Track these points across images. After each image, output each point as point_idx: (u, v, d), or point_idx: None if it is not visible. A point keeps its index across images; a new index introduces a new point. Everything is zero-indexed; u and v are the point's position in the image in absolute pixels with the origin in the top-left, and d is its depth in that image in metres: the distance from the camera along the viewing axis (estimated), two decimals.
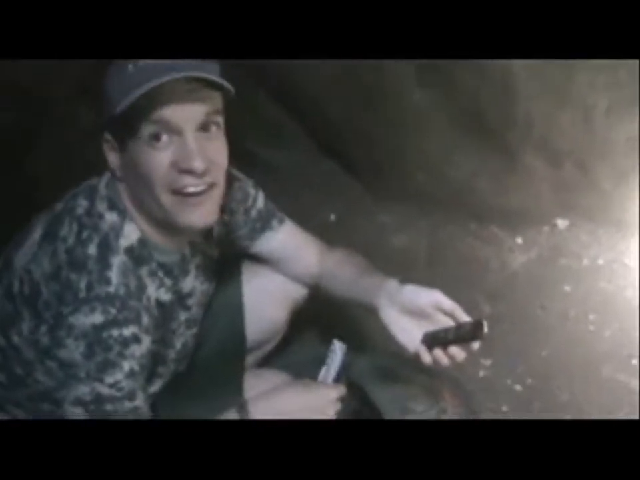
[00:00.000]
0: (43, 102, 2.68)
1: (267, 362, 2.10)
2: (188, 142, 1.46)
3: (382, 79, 2.48)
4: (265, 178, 1.96)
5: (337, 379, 1.74)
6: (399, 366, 2.03)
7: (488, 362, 2.26)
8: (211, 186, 1.51)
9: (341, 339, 1.78)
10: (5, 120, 2.57)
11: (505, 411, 2.16)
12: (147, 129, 1.45)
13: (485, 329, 1.58)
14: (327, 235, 2.04)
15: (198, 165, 1.46)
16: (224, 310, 1.93)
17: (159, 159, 1.47)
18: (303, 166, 2.92)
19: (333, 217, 2.78)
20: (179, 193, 1.49)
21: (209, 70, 1.46)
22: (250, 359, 2.03)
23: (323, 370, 1.75)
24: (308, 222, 2.03)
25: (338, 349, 1.75)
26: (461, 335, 1.62)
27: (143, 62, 1.43)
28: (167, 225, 1.57)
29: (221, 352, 1.93)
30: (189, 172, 1.47)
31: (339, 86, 2.59)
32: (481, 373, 2.25)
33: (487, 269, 2.53)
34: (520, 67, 2.24)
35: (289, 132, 2.79)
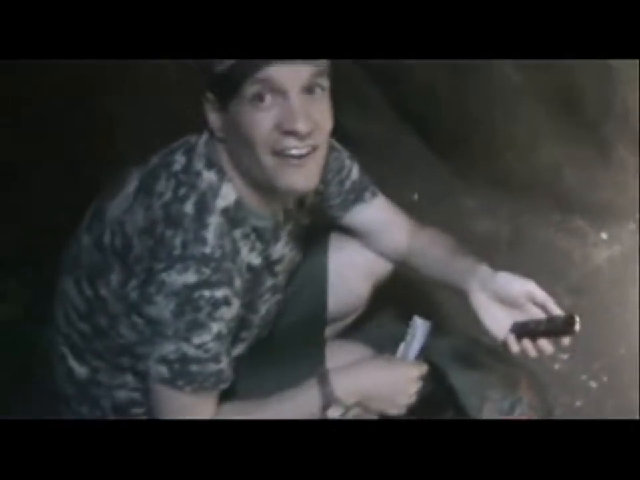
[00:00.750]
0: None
1: (344, 335, 2.09)
2: (292, 103, 1.44)
3: None
4: (350, 149, 1.94)
5: (418, 357, 1.72)
6: (478, 352, 2.00)
7: (565, 356, 2.22)
8: (314, 148, 1.49)
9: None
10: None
11: (579, 407, 2.13)
12: (250, 89, 1.43)
13: (577, 325, 1.55)
14: (409, 213, 2.00)
15: (302, 126, 1.44)
16: (308, 279, 1.92)
17: (262, 119, 1.45)
18: (389, 141, 2.89)
19: (415, 195, 2.75)
20: (281, 154, 1.47)
21: None
22: (329, 330, 2.02)
23: (402, 346, 1.73)
24: (391, 198, 1.99)
25: (420, 325, 1.73)
26: (552, 329, 1.60)
27: None
28: (265, 188, 1.55)
29: (303, 321, 1.92)
30: (293, 133, 1.45)
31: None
32: (557, 367, 2.23)
33: (569, 261, 2.48)
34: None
35: (377, 106, 2.76)
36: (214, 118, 1.52)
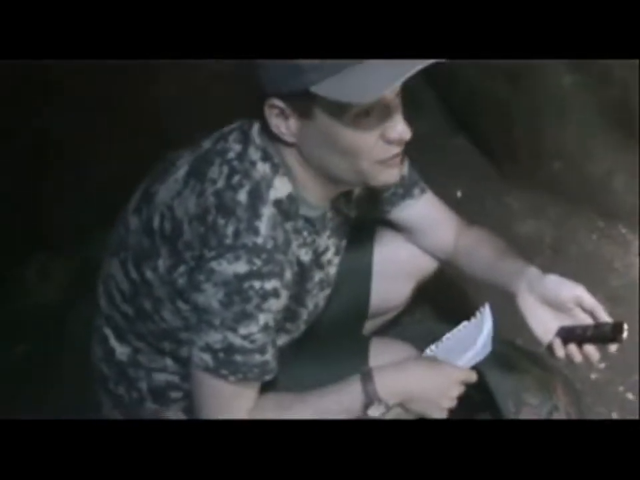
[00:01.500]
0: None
1: (383, 331, 2.08)
2: (396, 112, 1.46)
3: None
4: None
5: (471, 362, 1.70)
6: (514, 354, 1.99)
7: (602, 365, 2.19)
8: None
9: (458, 319, 1.75)
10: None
11: (614, 418, 2.11)
12: (355, 108, 1.41)
13: (626, 333, 1.53)
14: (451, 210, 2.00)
15: (408, 134, 1.46)
16: (352, 273, 1.91)
17: (368, 132, 1.45)
18: (436, 138, 2.89)
19: (459, 193, 2.74)
20: (384, 161, 1.49)
21: None
22: (369, 324, 2.02)
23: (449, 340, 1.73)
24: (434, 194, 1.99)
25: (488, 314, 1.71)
26: (600, 335, 1.58)
27: None
28: (323, 181, 1.56)
29: (345, 315, 1.92)
30: (398, 142, 1.47)
31: (482, 62, 2.54)
32: (593, 376, 2.20)
33: (611, 269, 2.45)
34: None
35: (425, 102, 2.76)
36: (281, 123, 1.49)
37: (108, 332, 1.72)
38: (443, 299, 2.26)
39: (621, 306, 2.33)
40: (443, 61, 1.38)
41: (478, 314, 1.72)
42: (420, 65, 1.35)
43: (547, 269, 1.72)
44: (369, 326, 2.03)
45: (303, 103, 1.43)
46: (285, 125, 1.48)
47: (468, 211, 2.52)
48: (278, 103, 1.46)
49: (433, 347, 1.72)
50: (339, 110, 1.42)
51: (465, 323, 1.72)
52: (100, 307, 1.74)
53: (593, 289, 2.27)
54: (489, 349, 1.70)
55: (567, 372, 2.03)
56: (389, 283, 1.97)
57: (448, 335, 1.73)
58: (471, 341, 1.70)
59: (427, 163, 2.64)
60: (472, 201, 2.71)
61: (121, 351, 1.70)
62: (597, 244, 2.52)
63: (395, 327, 2.15)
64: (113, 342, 1.71)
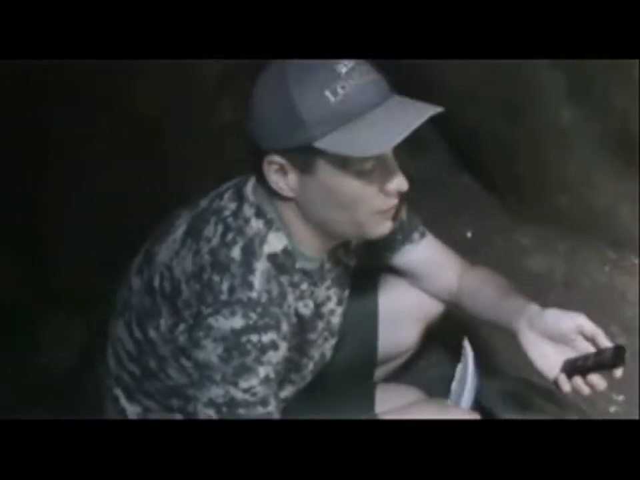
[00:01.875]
0: (185, 100, 2.73)
1: (393, 377, 2.08)
2: (391, 164, 1.48)
3: (530, 92, 2.44)
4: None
5: (470, 398, 1.70)
6: (529, 393, 1.98)
7: (620, 397, 2.17)
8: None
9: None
10: (149, 112, 2.62)
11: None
12: (365, 164, 1.44)
13: (626, 355, 1.53)
14: (462, 251, 2.00)
15: (406, 185, 1.49)
16: (358, 321, 1.91)
17: (367, 186, 1.47)
18: (443, 178, 2.91)
19: (469, 233, 2.74)
20: (383, 212, 1.52)
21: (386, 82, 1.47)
22: (379, 371, 2.02)
23: (454, 385, 1.72)
24: (444, 236, 1.99)
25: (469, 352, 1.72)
26: (601, 362, 1.56)
27: (340, 87, 1.40)
28: (319, 234, 1.58)
29: (353, 363, 1.92)
30: (397, 194, 1.49)
31: (483, 98, 2.56)
32: (612, 409, 2.17)
33: (624, 299, 2.43)
34: None
35: (430, 142, 2.78)
36: (280, 179, 1.50)
37: (118, 392, 1.73)
38: (457, 341, 2.25)
39: (637, 336, 2.32)
40: (441, 109, 1.41)
41: (462, 352, 1.73)
42: (423, 116, 1.38)
43: (559, 303, 1.72)
44: (380, 372, 2.02)
45: (304, 157, 1.45)
46: (283, 181, 1.49)
47: (477, 250, 2.55)
48: (278, 159, 1.47)
49: (454, 383, 1.74)
50: (341, 164, 1.44)
51: (459, 366, 1.74)
52: (109, 368, 1.75)
53: (607, 321, 2.29)
54: (477, 380, 1.70)
55: (585, 406, 2.00)
56: (396, 328, 1.97)
57: (454, 383, 1.74)
58: (464, 379, 1.72)
59: (434, 204, 2.68)
60: (481, 240, 2.71)
61: (132, 411, 1.71)
62: (609, 275, 2.50)
63: (409, 371, 2.15)
64: (124, 402, 1.72)
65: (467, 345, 1.72)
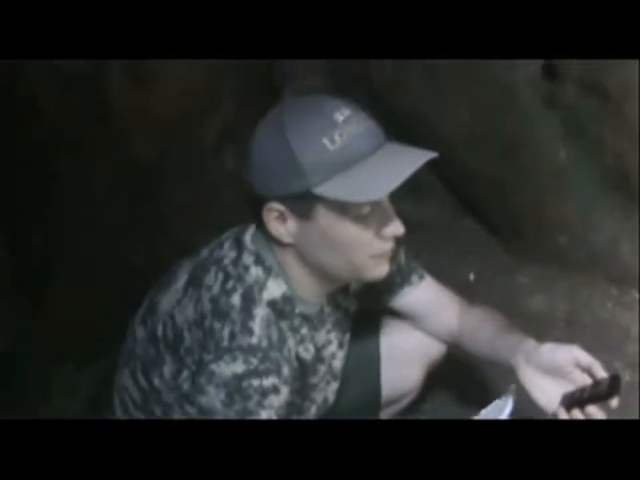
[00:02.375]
0: (188, 143, 2.76)
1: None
2: (389, 211, 1.52)
3: (526, 136, 2.47)
4: (405, 234, 1.97)
5: None
6: None
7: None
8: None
9: (474, 400, 1.75)
10: (151, 155, 2.65)
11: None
12: (358, 207, 1.47)
13: (622, 385, 1.55)
14: (464, 293, 2.01)
15: (402, 230, 1.52)
16: (361, 364, 1.93)
17: (364, 230, 1.51)
18: (443, 222, 2.94)
19: (472, 275, 2.76)
20: (379, 256, 1.55)
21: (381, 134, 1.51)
22: (384, 415, 2.02)
23: (484, 411, 1.71)
24: (447, 279, 2.01)
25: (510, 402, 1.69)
26: (598, 393, 1.58)
27: (338, 135, 1.44)
28: (318, 278, 1.60)
29: (357, 406, 1.93)
30: (393, 238, 1.53)
31: (479, 141, 2.59)
32: None
33: (628, 336, 2.43)
34: None
35: (429, 187, 2.80)
36: (279, 226, 1.53)
37: None
38: (462, 383, 2.26)
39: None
40: (435, 155, 1.45)
41: (503, 397, 1.71)
42: (419, 162, 1.43)
43: (562, 341, 1.73)
44: (385, 415, 2.03)
45: (303, 204, 1.49)
46: (283, 227, 1.53)
47: (479, 292, 2.56)
48: (277, 206, 1.50)
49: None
50: (339, 209, 1.47)
51: (496, 402, 1.71)
52: (117, 417, 1.77)
53: (611, 357, 2.29)
54: None
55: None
56: (399, 370, 1.98)
57: (482, 411, 1.71)
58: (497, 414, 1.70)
59: (436, 248, 2.70)
60: (483, 281, 2.72)
61: None
62: (611, 312, 2.50)
63: (414, 413, 2.15)
64: None
65: (513, 391, 1.71)
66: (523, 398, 1.69)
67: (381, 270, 1.58)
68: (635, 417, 2.02)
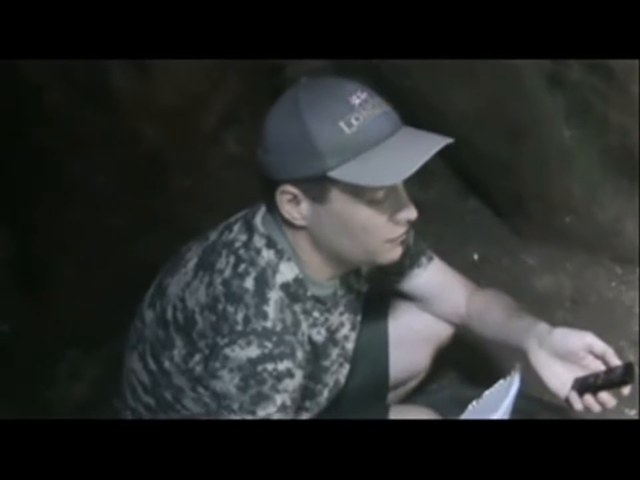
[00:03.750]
0: (190, 128, 2.76)
1: (406, 401, 2.08)
2: (401, 193, 1.51)
3: (530, 116, 2.46)
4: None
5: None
6: (540, 411, 1.98)
7: (632, 412, 2.17)
8: None
9: (481, 381, 1.74)
10: (153, 139, 2.65)
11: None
12: (372, 191, 1.46)
13: (636, 373, 1.54)
14: (469, 274, 2.02)
15: (415, 215, 1.51)
16: (369, 346, 1.93)
17: (379, 215, 1.50)
18: (448, 203, 2.95)
19: (476, 256, 2.76)
20: (393, 241, 1.54)
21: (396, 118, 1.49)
22: (392, 396, 2.03)
23: (487, 392, 1.70)
24: (451, 260, 2.01)
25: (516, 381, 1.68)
26: (611, 380, 1.58)
27: (354, 119, 1.43)
28: (331, 261, 1.60)
29: (365, 388, 1.93)
30: (407, 223, 1.52)
31: (485, 122, 2.59)
32: None
33: (632, 314, 2.44)
34: None
35: (435, 168, 2.80)
36: (292, 208, 1.53)
37: None
38: (468, 364, 2.26)
39: None
40: (451, 141, 1.45)
41: (508, 376, 1.71)
42: (435, 147, 1.42)
43: (568, 320, 1.74)
44: (393, 396, 2.04)
45: (318, 187, 1.48)
46: (296, 210, 1.52)
47: (485, 273, 2.56)
48: (291, 189, 1.50)
49: (474, 402, 1.71)
50: (353, 193, 1.47)
51: (501, 382, 1.70)
52: (125, 400, 1.77)
53: (616, 336, 2.30)
54: (509, 411, 1.69)
55: None
56: (407, 352, 1.98)
57: (487, 392, 1.71)
58: (497, 403, 1.69)
59: (441, 229, 2.70)
60: (489, 262, 2.73)
61: None
62: (616, 291, 2.51)
63: (421, 395, 2.16)
64: None
65: (518, 370, 1.70)
66: (533, 382, 1.69)
67: (393, 254, 1.58)
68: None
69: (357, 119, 1.43)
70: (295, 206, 1.52)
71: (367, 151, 1.43)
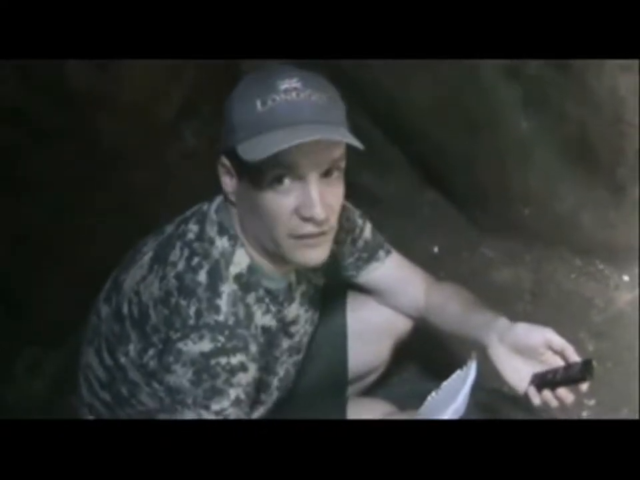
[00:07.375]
0: (150, 121, 2.73)
1: (367, 394, 2.09)
2: (311, 190, 1.46)
3: (488, 108, 2.46)
4: (368, 208, 1.95)
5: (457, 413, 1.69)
6: (501, 403, 1.99)
7: (592, 402, 2.19)
8: (328, 230, 1.52)
9: (441, 373, 1.75)
10: (114, 135, 2.63)
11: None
12: (270, 171, 1.44)
13: (594, 370, 1.55)
14: (429, 267, 2.02)
15: (320, 214, 1.45)
16: (327, 339, 1.94)
17: (281, 203, 1.47)
18: (407, 196, 2.92)
19: (436, 249, 2.76)
20: (298, 237, 1.50)
21: (336, 113, 1.47)
22: (351, 390, 2.03)
23: (445, 384, 1.72)
24: (411, 253, 2.01)
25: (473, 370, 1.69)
26: (570, 376, 1.59)
27: (271, 100, 1.42)
28: (276, 257, 1.58)
29: (323, 381, 1.93)
30: (311, 220, 1.47)
31: (442, 114, 2.58)
32: (585, 414, 2.18)
33: (592, 305, 2.45)
34: (631, 96, 2.17)
35: (393, 161, 2.79)
36: (228, 182, 1.55)
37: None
38: (428, 357, 2.26)
39: (605, 341, 2.34)
40: (360, 146, 1.42)
41: (464, 367, 1.71)
42: (323, 136, 1.39)
43: (528, 313, 1.74)
44: (353, 390, 2.03)
45: (239, 161, 1.47)
46: (230, 184, 1.54)
47: (445, 266, 2.56)
48: (225, 161, 1.52)
49: (433, 393, 1.72)
50: (257, 172, 1.45)
51: (458, 372, 1.72)
52: (82, 397, 1.76)
53: (575, 327, 2.31)
54: (467, 401, 1.69)
55: (558, 414, 2.02)
56: (365, 345, 1.98)
57: (445, 383, 1.72)
58: (454, 394, 1.69)
59: (400, 222, 2.70)
60: (448, 255, 2.73)
61: None
62: (575, 282, 2.52)
63: (381, 388, 2.16)
64: None
65: (474, 359, 1.70)
66: (496, 377, 1.70)
67: (305, 256, 1.53)
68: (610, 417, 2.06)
69: (273, 100, 1.42)
70: (230, 179, 1.53)
71: (270, 131, 1.41)
